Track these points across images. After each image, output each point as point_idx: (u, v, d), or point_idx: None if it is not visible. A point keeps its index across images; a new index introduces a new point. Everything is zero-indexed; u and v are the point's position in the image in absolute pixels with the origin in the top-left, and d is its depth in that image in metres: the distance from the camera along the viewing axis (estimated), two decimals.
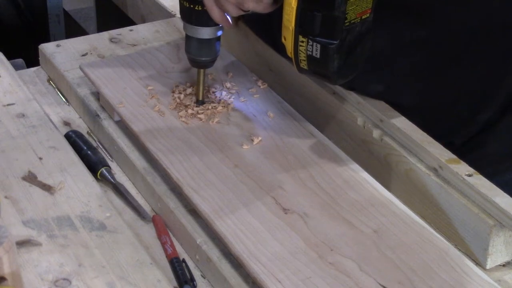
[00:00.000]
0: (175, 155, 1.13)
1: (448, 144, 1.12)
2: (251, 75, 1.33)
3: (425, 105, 1.21)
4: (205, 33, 1.18)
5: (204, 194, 1.06)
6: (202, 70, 1.23)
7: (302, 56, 1.04)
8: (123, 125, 1.25)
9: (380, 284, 0.95)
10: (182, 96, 1.25)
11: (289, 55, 1.06)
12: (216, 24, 1.17)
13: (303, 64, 1.04)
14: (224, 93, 1.27)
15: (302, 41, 1.02)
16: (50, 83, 1.41)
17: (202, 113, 1.22)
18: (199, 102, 1.24)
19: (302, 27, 1.02)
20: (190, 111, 1.22)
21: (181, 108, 1.23)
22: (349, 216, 1.04)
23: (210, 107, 1.23)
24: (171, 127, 1.19)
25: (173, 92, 1.26)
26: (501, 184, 1.04)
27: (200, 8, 1.15)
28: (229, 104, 1.25)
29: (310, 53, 1.02)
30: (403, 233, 1.02)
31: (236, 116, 1.23)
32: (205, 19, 1.16)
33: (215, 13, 1.12)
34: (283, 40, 1.06)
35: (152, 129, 1.18)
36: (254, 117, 1.23)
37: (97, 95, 1.31)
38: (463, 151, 1.12)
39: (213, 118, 1.21)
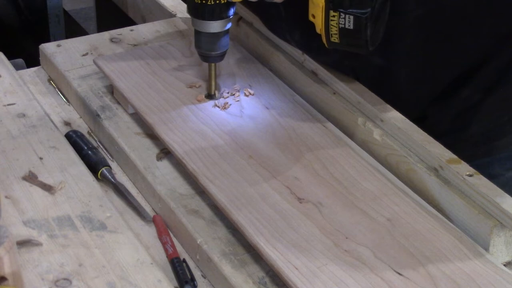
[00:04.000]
0: (190, 146, 1.14)
1: (422, 118, 1.16)
2: (263, 69, 1.33)
3: (412, 76, 1.23)
4: (216, 26, 1.19)
5: (220, 185, 1.07)
6: (213, 65, 1.24)
7: (334, 30, 1.07)
8: (124, 125, 1.25)
9: (395, 271, 0.95)
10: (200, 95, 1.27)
11: (318, 31, 1.09)
12: (227, 17, 1.18)
13: (335, 38, 1.07)
14: (237, 85, 1.28)
15: (334, 16, 1.06)
16: (50, 83, 1.41)
17: (217, 102, 1.24)
18: (211, 97, 1.25)
19: (332, 2, 1.05)
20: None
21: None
22: (363, 205, 1.05)
23: (223, 101, 1.25)
24: (186, 119, 1.20)
25: (191, 87, 1.28)
26: (478, 167, 1.05)
27: (212, 3, 1.16)
28: (246, 94, 1.26)
29: (343, 25, 1.06)
30: (416, 221, 1.03)
31: (249, 108, 1.24)
32: (216, 13, 1.18)
33: None
34: (310, 18, 1.09)
35: (166, 121, 1.19)
36: (266, 110, 1.23)
37: (101, 92, 1.31)
38: (445, 131, 1.14)
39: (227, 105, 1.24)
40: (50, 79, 1.42)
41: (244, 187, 1.07)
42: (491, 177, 1.04)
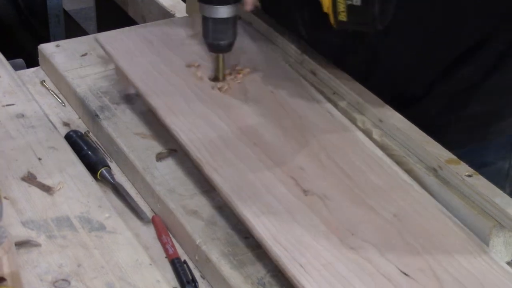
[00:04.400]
0: (194, 133, 1.13)
1: (421, 97, 1.17)
2: (270, 51, 1.31)
3: (414, 53, 1.22)
4: (224, 11, 1.17)
5: (224, 174, 1.06)
6: (221, 55, 1.22)
7: (341, 7, 1.06)
8: (122, 125, 1.25)
9: (401, 271, 0.94)
10: (199, 73, 1.25)
11: (326, 10, 1.08)
12: (235, 1, 1.17)
13: (342, 16, 1.07)
14: (241, 67, 1.26)
15: None
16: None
17: (221, 87, 1.22)
18: (216, 79, 1.24)
19: None
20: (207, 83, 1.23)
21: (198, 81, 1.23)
22: (370, 199, 1.04)
23: (227, 82, 1.23)
24: (190, 104, 1.18)
25: (189, 66, 1.26)
26: (472, 152, 1.05)
27: None
28: (247, 74, 1.24)
29: (350, 2, 1.05)
30: (425, 219, 1.02)
31: (254, 91, 1.22)
32: None
33: None
34: None
35: (171, 105, 1.17)
36: (271, 93, 1.21)
37: (100, 92, 1.31)
38: (444, 111, 1.15)
39: (230, 90, 1.22)
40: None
41: (248, 177, 1.06)
42: (483, 165, 1.03)
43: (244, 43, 1.32)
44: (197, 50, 1.28)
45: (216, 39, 1.19)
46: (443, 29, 1.19)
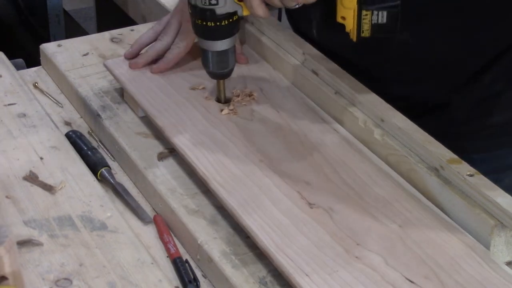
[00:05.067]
0: (200, 150, 1.14)
1: (445, 105, 1.15)
2: (274, 72, 1.33)
3: (440, 59, 1.22)
4: (226, 44, 1.18)
5: (230, 189, 1.07)
6: (222, 81, 1.24)
7: (366, 27, 1.09)
8: (124, 125, 1.25)
9: (407, 278, 0.95)
10: (205, 94, 1.26)
11: (348, 31, 1.10)
12: (236, 32, 1.18)
13: (366, 33, 1.10)
14: (247, 89, 1.27)
15: (366, 14, 1.07)
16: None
17: (227, 108, 1.23)
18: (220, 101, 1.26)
19: (365, 3, 1.07)
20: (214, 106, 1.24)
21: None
22: (374, 211, 1.05)
23: (234, 103, 1.24)
24: (196, 123, 1.20)
25: (194, 89, 1.28)
26: (494, 157, 1.04)
27: (225, 23, 1.15)
28: (253, 99, 1.25)
29: (376, 21, 1.08)
30: (429, 228, 1.02)
31: (260, 111, 1.23)
32: (228, 32, 1.17)
33: (255, 3, 1.11)
34: (339, 20, 1.10)
35: (176, 124, 1.19)
36: (277, 113, 1.23)
37: (102, 92, 1.32)
38: (467, 119, 1.16)
39: (237, 110, 1.23)
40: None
41: (254, 191, 1.07)
42: (508, 167, 1.03)
43: (249, 64, 1.34)
44: (204, 75, 1.29)
45: (216, 69, 1.21)
46: (467, 37, 1.19)
